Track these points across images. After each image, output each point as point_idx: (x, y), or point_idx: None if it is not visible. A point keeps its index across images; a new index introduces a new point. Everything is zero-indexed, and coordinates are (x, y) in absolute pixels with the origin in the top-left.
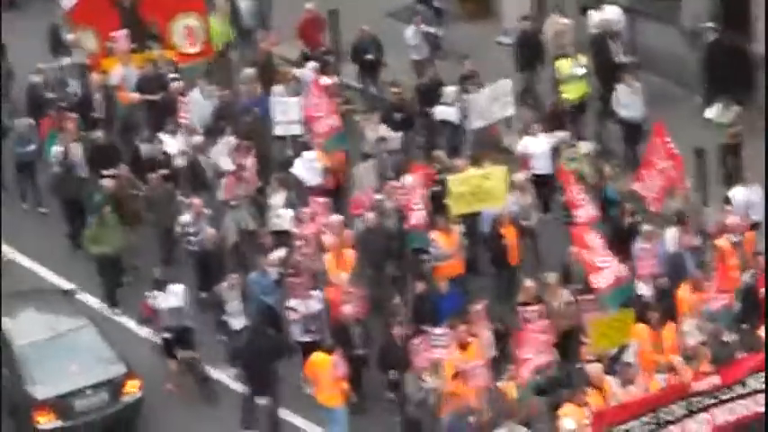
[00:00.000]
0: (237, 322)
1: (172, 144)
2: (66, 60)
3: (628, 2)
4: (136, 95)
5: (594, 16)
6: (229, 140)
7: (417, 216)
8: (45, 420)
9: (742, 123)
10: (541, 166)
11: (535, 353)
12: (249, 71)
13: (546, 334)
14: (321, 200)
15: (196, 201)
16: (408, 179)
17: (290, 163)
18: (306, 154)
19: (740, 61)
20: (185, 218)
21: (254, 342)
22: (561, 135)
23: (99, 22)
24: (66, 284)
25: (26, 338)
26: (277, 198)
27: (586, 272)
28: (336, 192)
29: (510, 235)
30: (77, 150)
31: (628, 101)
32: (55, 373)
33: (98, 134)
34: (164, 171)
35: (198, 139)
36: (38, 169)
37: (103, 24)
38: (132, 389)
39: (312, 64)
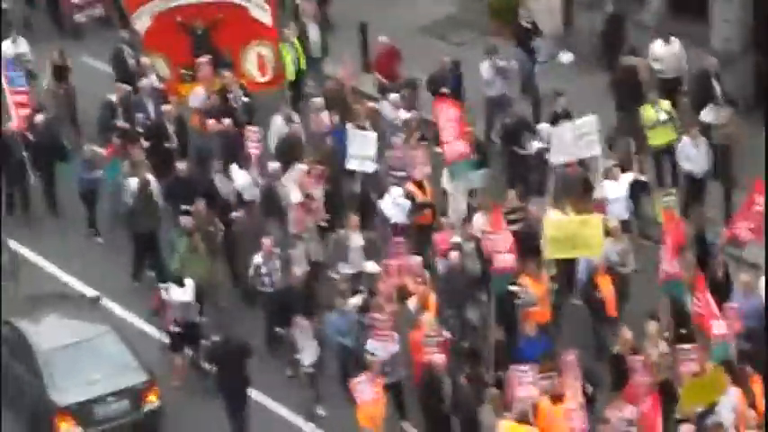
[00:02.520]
0: (308, 361)
1: (241, 177)
2: (144, 82)
3: (656, 23)
4: (212, 122)
5: (658, 50)
6: (300, 168)
7: (504, 259)
8: (66, 427)
9: (734, 125)
10: (618, 211)
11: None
12: (318, 100)
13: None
14: (400, 242)
15: (266, 241)
16: (489, 220)
17: (359, 199)
18: (393, 190)
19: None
20: (257, 259)
21: (224, 346)
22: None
23: (171, 48)
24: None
25: (49, 344)
26: (355, 239)
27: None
28: (429, 228)
29: (605, 285)
30: (154, 182)
31: (692, 154)
32: (77, 379)
33: (180, 166)
34: (238, 212)
35: (275, 166)
36: (99, 197)
37: (175, 51)
38: (154, 397)
39: (393, 96)
